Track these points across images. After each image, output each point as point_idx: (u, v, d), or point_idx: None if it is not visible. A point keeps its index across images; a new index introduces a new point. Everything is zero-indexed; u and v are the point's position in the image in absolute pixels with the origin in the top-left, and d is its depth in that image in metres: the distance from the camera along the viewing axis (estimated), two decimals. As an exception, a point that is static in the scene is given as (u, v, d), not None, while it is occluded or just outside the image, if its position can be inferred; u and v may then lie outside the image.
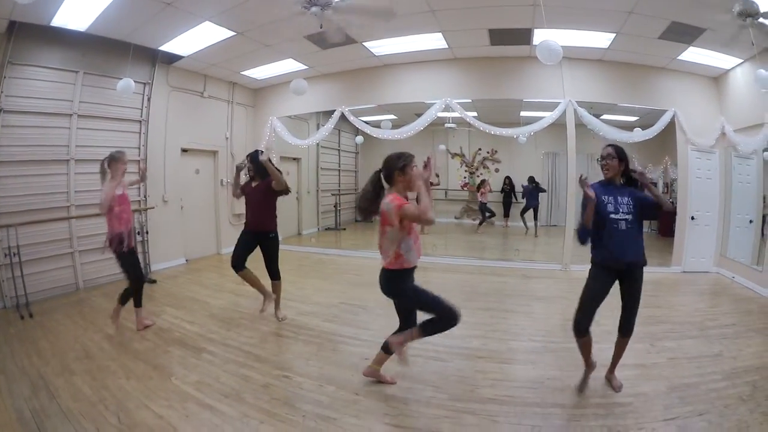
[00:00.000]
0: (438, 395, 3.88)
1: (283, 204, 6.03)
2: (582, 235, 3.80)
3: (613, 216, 3.62)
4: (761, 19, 5.55)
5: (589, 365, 3.94)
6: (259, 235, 5.76)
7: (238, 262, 5.76)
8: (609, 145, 3.82)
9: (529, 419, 3.50)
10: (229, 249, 10.51)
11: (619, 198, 3.67)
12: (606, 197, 3.68)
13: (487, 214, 13.80)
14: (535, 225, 13.34)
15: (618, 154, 3.75)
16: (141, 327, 5.59)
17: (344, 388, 4.04)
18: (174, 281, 8.02)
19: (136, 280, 5.57)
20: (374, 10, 5.85)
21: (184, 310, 6.36)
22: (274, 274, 5.88)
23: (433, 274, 8.34)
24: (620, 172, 3.77)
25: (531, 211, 13.32)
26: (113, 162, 5.25)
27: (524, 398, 3.82)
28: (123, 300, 5.53)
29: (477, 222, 14.03)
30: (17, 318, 6.05)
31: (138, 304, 5.62)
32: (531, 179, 13.31)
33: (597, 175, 3.92)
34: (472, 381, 4.09)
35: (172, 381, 4.18)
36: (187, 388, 4.02)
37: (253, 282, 5.86)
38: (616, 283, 3.79)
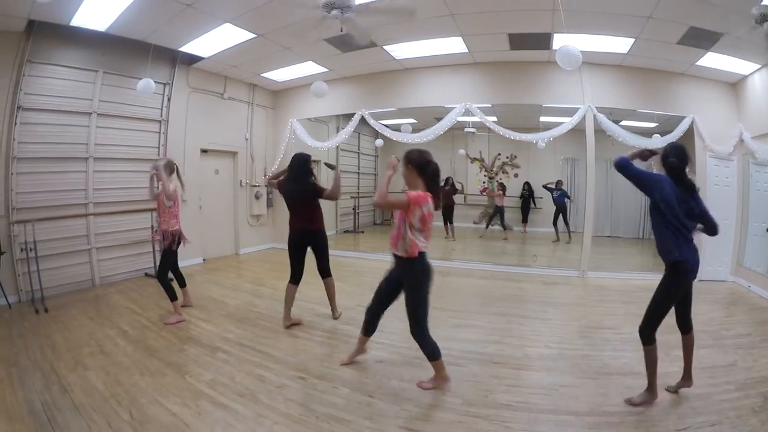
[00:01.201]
0: (452, 399, 3.87)
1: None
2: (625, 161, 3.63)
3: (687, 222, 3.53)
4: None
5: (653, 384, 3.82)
6: (315, 234, 5.80)
7: (300, 273, 5.84)
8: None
9: (543, 426, 3.48)
10: (247, 249, 10.71)
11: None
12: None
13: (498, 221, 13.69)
14: (567, 228, 13.27)
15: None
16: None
17: (358, 390, 4.03)
18: (191, 280, 7.99)
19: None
20: (395, 10, 5.86)
21: (201, 309, 6.39)
22: (328, 271, 6.00)
23: (450, 279, 8.34)
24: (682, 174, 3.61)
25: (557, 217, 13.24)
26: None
27: (538, 405, 3.79)
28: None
29: (485, 228, 13.90)
30: (32, 312, 6.13)
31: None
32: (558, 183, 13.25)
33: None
34: (487, 386, 4.08)
35: (186, 379, 4.20)
36: (201, 387, 4.04)
37: (292, 300, 5.86)
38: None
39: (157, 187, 5.88)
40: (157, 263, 6.24)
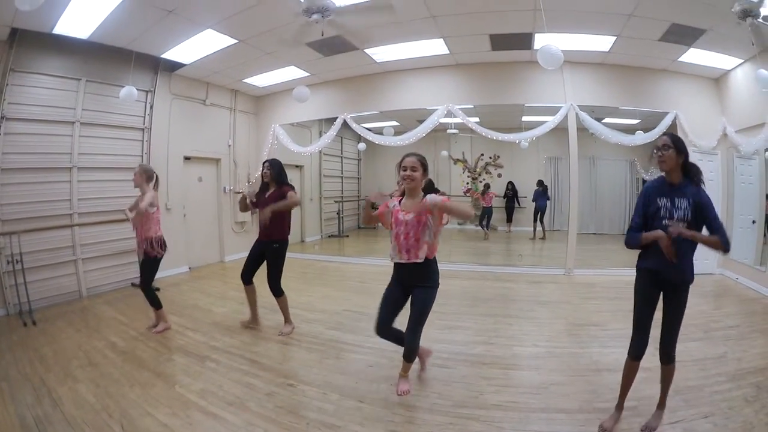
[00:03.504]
0: (442, 402, 3.88)
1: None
2: (632, 242, 3.41)
3: (666, 222, 3.23)
4: (761, 19, 5.56)
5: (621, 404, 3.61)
6: (265, 244, 5.65)
7: (246, 274, 5.75)
8: (665, 134, 3.52)
9: (534, 425, 3.49)
10: (232, 257, 10.60)
11: (677, 200, 3.25)
12: (660, 200, 3.29)
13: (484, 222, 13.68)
14: (542, 227, 13.31)
15: (675, 144, 3.23)
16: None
17: (348, 395, 4.03)
18: (177, 289, 8.02)
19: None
20: (373, 6, 5.90)
21: (188, 318, 6.36)
22: (275, 289, 5.67)
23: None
24: (679, 165, 3.26)
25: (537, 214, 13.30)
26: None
27: (529, 404, 3.81)
28: None
29: (482, 228, 13.87)
30: (20, 325, 6.06)
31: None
32: (540, 182, 13.31)
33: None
34: (477, 387, 4.09)
35: (175, 389, 4.18)
36: (190, 396, 4.02)
37: (251, 302, 5.91)
38: None
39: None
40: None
